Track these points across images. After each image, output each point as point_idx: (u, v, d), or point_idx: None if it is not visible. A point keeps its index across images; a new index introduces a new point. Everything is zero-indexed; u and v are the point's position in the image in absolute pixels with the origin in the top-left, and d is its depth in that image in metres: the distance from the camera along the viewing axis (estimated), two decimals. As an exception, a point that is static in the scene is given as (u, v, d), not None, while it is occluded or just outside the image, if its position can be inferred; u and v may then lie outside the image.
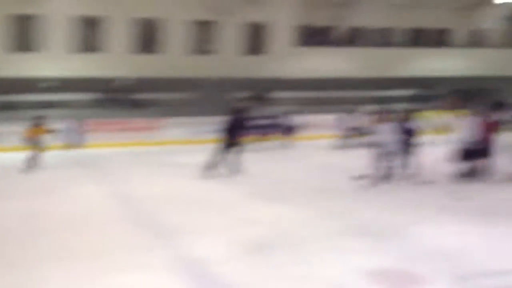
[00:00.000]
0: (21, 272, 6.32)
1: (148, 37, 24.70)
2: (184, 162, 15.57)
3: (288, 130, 19.98)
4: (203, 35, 25.47)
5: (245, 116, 13.39)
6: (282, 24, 25.85)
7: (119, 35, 23.91)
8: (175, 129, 21.17)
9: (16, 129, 15.20)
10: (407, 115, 12.26)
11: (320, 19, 28.27)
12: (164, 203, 9.94)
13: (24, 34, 22.78)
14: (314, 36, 27.92)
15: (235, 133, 12.96)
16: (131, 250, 6.99)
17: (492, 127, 11.92)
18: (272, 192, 10.93)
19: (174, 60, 23.89)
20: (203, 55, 24.97)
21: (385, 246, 6.92)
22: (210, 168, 12.86)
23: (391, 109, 14.50)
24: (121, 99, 22.71)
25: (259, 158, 16.25)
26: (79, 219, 8.79)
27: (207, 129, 21.71)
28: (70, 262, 6.59)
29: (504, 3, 25.74)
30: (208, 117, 22.19)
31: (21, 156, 14.29)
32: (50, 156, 15.04)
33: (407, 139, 11.79)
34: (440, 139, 17.16)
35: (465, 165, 11.60)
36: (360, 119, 19.35)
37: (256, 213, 9.00)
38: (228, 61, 24.57)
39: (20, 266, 6.54)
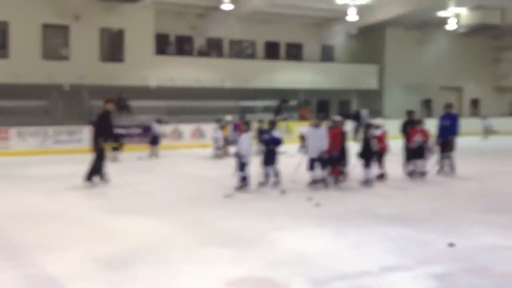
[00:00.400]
0: None
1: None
2: (36, 174, 14.68)
3: (154, 139, 19.68)
4: (56, 39, 24.18)
5: (109, 123, 12.87)
6: (140, 32, 25.40)
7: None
8: (25, 139, 19.89)
9: None
10: (271, 125, 12.56)
11: (178, 29, 28.28)
12: (14, 219, 9.19)
13: None
14: (173, 45, 27.84)
15: (99, 141, 12.50)
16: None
17: (342, 136, 12.62)
18: (135, 204, 10.63)
19: (22, 66, 22.36)
20: (55, 61, 23.67)
21: (245, 254, 6.99)
22: (91, 176, 12.38)
23: (248, 120, 14.82)
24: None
25: (124, 168, 15.79)
26: None
27: (61, 139, 20.75)
28: None
29: (353, 21, 27.53)
30: (62, 126, 21.21)
31: None
32: None
33: (272, 148, 12.13)
34: (298, 148, 17.89)
35: (319, 173, 12.18)
36: (226, 128, 19.59)
37: (117, 226, 8.66)
38: (84, 68, 23.57)
39: None
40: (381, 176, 13.16)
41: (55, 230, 8.43)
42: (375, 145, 12.54)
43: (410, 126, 13.85)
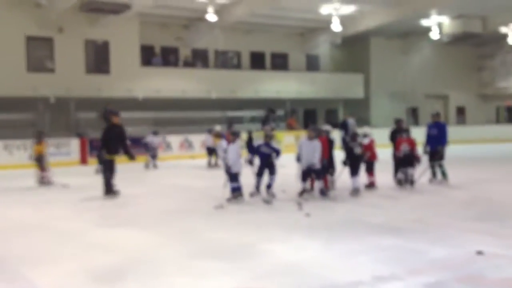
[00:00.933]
0: None
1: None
2: (23, 187, 14.54)
3: (153, 150, 19.78)
4: (40, 52, 24.02)
5: (115, 136, 12.79)
6: (125, 43, 25.35)
7: None
8: (12, 152, 19.68)
9: None
10: (267, 138, 12.52)
11: (163, 40, 28.27)
12: (1, 232, 9.10)
13: None
14: (158, 56, 27.80)
15: (101, 153, 12.62)
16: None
17: (329, 145, 12.62)
18: (126, 216, 10.57)
19: (7, 78, 22.18)
20: (41, 73, 23.51)
21: (237, 266, 6.94)
22: (110, 189, 12.46)
23: (237, 130, 14.81)
24: None
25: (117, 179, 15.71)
26: None
27: (48, 152, 20.50)
28: None
29: (337, 31, 27.69)
30: (50, 139, 20.97)
31: None
32: None
33: (271, 161, 12.08)
34: (289, 158, 17.91)
35: (309, 183, 12.18)
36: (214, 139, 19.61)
37: (108, 239, 8.58)
38: (69, 80, 23.45)
39: None
40: (371, 185, 13.17)
41: (44, 243, 8.33)
42: (358, 149, 12.49)
43: (398, 135, 13.90)
